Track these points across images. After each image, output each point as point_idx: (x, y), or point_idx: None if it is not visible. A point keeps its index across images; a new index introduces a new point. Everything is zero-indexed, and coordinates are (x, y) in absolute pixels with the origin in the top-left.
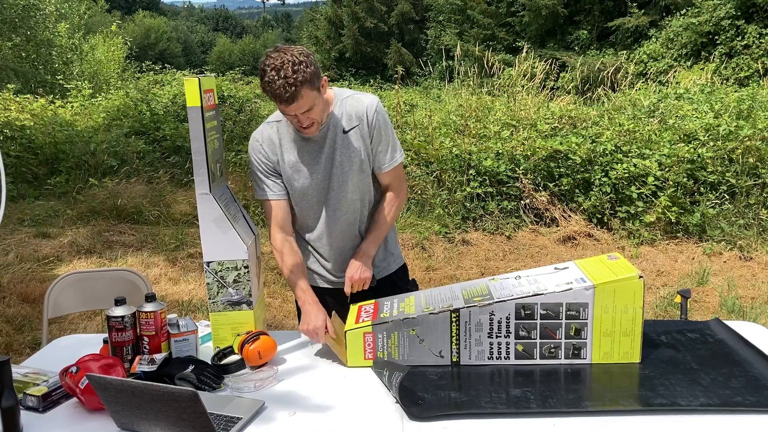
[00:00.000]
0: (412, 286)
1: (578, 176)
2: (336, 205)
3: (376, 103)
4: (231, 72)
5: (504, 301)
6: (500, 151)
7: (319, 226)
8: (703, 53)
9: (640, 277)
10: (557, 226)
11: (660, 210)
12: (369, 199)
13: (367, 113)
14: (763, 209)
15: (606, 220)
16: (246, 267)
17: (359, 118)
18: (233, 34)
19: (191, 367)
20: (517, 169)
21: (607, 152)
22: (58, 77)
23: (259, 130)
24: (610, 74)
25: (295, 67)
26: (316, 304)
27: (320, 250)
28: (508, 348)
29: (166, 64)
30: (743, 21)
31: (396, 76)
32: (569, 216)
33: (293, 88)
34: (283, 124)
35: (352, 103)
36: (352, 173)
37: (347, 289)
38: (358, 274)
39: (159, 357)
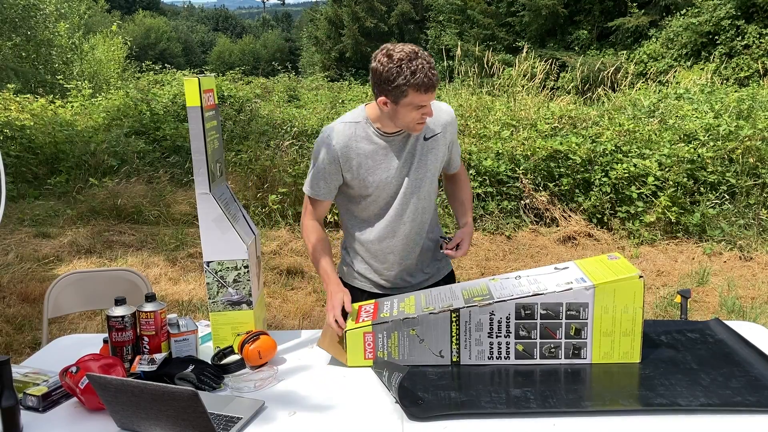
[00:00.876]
0: None
1: (578, 176)
2: (404, 209)
3: (452, 113)
4: (231, 72)
5: (504, 301)
6: (500, 151)
7: (383, 229)
8: (703, 53)
9: (640, 277)
10: (557, 226)
11: (660, 210)
12: (434, 205)
13: (450, 123)
14: (763, 209)
15: (606, 220)
16: (246, 267)
17: (443, 126)
18: (233, 34)
19: (191, 367)
20: (517, 169)
21: (607, 152)
22: (58, 77)
23: (334, 129)
24: (610, 74)
25: (425, 52)
26: (338, 285)
27: (378, 254)
28: (508, 348)
29: (166, 64)
30: (743, 21)
31: None
32: (569, 216)
33: (435, 72)
34: (362, 126)
35: (434, 111)
36: (426, 179)
37: (461, 252)
38: (463, 250)
39: (159, 357)
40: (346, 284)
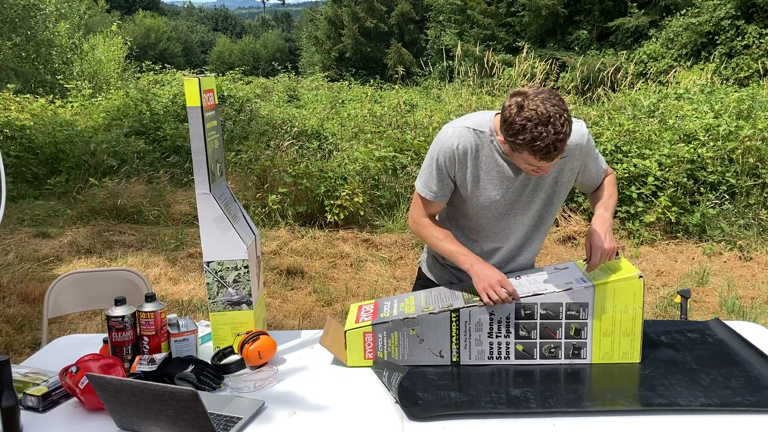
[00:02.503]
0: None
1: None
2: (511, 227)
3: (585, 132)
4: (231, 72)
5: None
6: None
7: (482, 248)
8: (703, 53)
9: (640, 276)
10: (557, 225)
11: (660, 210)
12: (545, 228)
13: (579, 146)
14: (763, 209)
15: None
16: (246, 267)
17: (570, 150)
18: (233, 34)
19: (191, 367)
20: None
21: (607, 152)
22: (58, 77)
23: (459, 131)
24: (610, 74)
25: (562, 120)
26: (484, 262)
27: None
28: (508, 348)
29: (166, 64)
30: (743, 21)
31: (396, 76)
32: (569, 216)
33: (561, 143)
34: (486, 137)
35: None
36: (539, 201)
37: (595, 260)
38: (608, 243)
39: (159, 357)
40: (422, 274)
